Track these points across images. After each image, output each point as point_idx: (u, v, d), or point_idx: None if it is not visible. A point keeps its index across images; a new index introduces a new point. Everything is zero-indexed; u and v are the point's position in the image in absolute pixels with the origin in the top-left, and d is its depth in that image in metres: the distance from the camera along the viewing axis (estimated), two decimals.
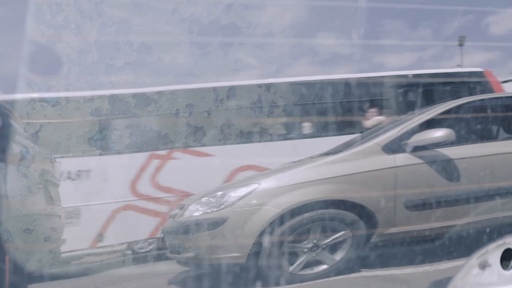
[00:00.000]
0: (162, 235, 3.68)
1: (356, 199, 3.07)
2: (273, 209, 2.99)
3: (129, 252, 5.92)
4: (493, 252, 1.15)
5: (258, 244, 2.98)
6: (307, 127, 6.31)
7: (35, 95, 5.65)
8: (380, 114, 6.20)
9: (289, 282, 3.01)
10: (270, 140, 6.07)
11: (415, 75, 6.58)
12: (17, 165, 2.85)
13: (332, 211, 3.06)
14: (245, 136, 6.05)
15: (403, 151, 3.19)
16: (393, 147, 3.21)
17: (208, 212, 3.11)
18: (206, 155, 5.84)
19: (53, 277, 4.76)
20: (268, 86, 6.27)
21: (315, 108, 6.38)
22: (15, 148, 2.86)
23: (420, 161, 3.16)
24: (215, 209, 3.09)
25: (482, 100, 3.69)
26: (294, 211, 3.01)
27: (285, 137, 6.16)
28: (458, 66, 13.62)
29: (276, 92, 6.26)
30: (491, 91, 6.29)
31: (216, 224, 3.03)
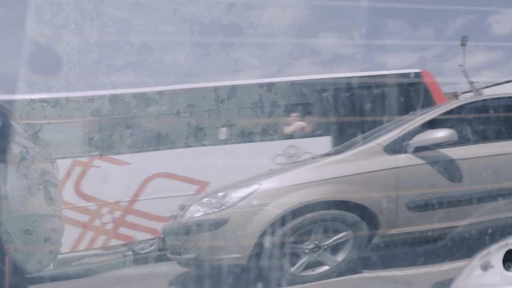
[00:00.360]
0: (162, 236, 3.65)
1: (357, 200, 3.05)
2: (274, 210, 2.98)
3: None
4: (495, 253, 1.14)
5: (259, 245, 2.96)
6: (223, 133, 5.98)
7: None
8: (304, 119, 5.96)
9: (290, 283, 3.00)
10: (189, 147, 5.75)
11: (346, 78, 6.34)
12: (17, 166, 2.85)
13: (333, 212, 3.05)
14: (163, 143, 5.75)
15: (405, 151, 3.17)
16: (395, 148, 3.19)
17: (209, 213, 3.10)
18: (122, 163, 5.59)
19: (53, 278, 4.75)
20: (186, 91, 5.99)
21: (234, 114, 6.03)
22: (15, 149, 2.86)
23: (422, 161, 3.14)
24: (216, 210, 3.07)
25: (485, 100, 3.67)
26: (296, 212, 2.99)
27: (201, 144, 5.82)
28: (461, 66, 13.54)
29: (193, 97, 5.95)
30: (427, 92, 6.10)
31: (217, 225, 3.01)
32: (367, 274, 3.11)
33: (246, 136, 5.92)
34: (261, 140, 5.86)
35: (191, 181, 5.58)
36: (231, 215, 3.01)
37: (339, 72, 6.55)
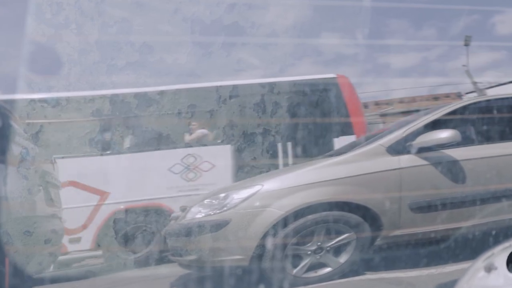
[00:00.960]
0: (164, 237, 3.63)
1: (360, 201, 3.03)
2: (276, 211, 2.96)
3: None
4: (499, 254, 1.13)
5: (261, 246, 2.94)
6: (127, 141, 5.75)
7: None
8: (207, 127, 5.79)
9: (292, 285, 2.98)
10: (89, 156, 5.51)
11: (255, 84, 6.12)
12: (17, 167, 2.87)
13: (336, 213, 3.03)
14: (70, 151, 5.46)
15: (408, 152, 3.15)
16: (397, 148, 3.17)
17: (210, 214, 3.08)
18: None
19: (54, 280, 4.73)
20: (89, 98, 5.71)
21: (137, 121, 5.78)
22: (15, 149, 2.88)
23: (425, 162, 3.12)
24: (218, 211, 3.05)
25: (489, 100, 3.65)
26: (298, 213, 2.97)
27: (103, 152, 5.59)
28: (464, 66, 13.47)
29: (101, 104, 5.72)
30: (340, 97, 5.92)
31: (218, 226, 2.99)
32: (370, 276, 3.09)
33: (149, 144, 5.71)
34: (166, 148, 5.64)
35: (92, 190, 5.40)
36: (232, 216, 2.99)
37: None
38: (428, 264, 3.05)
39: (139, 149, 5.65)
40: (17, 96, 5.35)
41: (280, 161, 5.74)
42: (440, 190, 3.13)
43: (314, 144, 5.77)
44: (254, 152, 5.71)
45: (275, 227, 2.95)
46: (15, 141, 2.91)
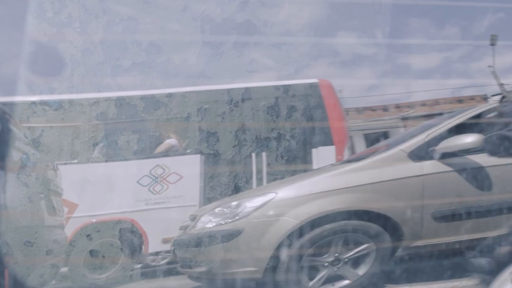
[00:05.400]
0: (172, 248, 3.52)
1: (380, 210, 2.95)
2: (291, 220, 2.89)
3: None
4: None
5: (276, 257, 2.88)
6: (97, 150, 5.39)
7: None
8: (176, 137, 5.52)
9: None
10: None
11: (230, 90, 5.71)
12: (17, 173, 2.79)
13: (354, 223, 2.96)
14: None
15: (431, 158, 3.07)
16: (420, 154, 3.09)
17: (222, 224, 3.01)
18: None
19: None
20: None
21: (108, 129, 5.39)
22: (15, 155, 2.80)
23: (449, 168, 3.04)
24: (230, 220, 2.99)
25: None
26: (314, 223, 2.91)
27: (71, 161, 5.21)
28: (490, 67, 13.27)
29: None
30: (320, 103, 5.60)
31: (230, 236, 2.93)
32: None
33: (117, 153, 5.37)
34: (135, 158, 5.33)
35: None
36: (245, 225, 2.92)
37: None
38: (452, 277, 2.99)
39: (109, 158, 5.33)
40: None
41: (254, 171, 5.50)
42: (464, 198, 3.04)
43: (290, 153, 5.51)
44: (225, 163, 5.47)
45: (290, 237, 2.89)
46: (15, 146, 2.84)
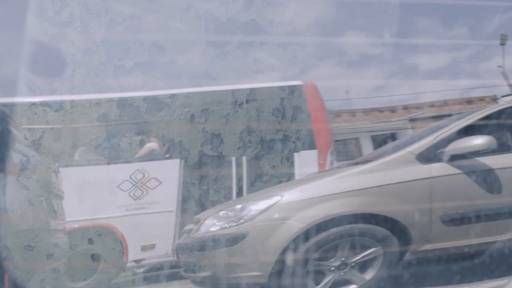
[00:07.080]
0: (176, 252, 3.49)
1: (388, 213, 2.91)
2: (297, 224, 2.86)
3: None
4: None
5: (281, 262, 2.84)
6: (79, 153, 5.28)
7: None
8: (155, 141, 5.40)
9: None
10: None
11: (210, 92, 5.63)
12: (17, 176, 2.76)
13: (361, 226, 2.91)
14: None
15: (439, 160, 3.02)
16: (428, 156, 3.04)
17: (226, 227, 2.98)
18: None
19: None
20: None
21: (87, 132, 5.24)
22: (15, 157, 2.76)
23: (458, 171, 2.99)
24: (234, 224, 2.95)
25: None
26: (320, 226, 2.86)
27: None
28: (500, 67, 13.16)
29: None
30: (304, 107, 5.45)
31: (235, 240, 2.90)
32: None
33: (98, 157, 5.26)
34: (116, 163, 5.23)
35: None
36: (250, 229, 2.89)
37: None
38: (461, 281, 2.95)
39: (89, 162, 5.22)
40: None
41: (234, 175, 5.40)
42: (474, 201, 3.00)
43: (271, 157, 5.40)
44: (205, 167, 5.36)
45: (295, 241, 2.85)
46: (15, 148, 2.80)
